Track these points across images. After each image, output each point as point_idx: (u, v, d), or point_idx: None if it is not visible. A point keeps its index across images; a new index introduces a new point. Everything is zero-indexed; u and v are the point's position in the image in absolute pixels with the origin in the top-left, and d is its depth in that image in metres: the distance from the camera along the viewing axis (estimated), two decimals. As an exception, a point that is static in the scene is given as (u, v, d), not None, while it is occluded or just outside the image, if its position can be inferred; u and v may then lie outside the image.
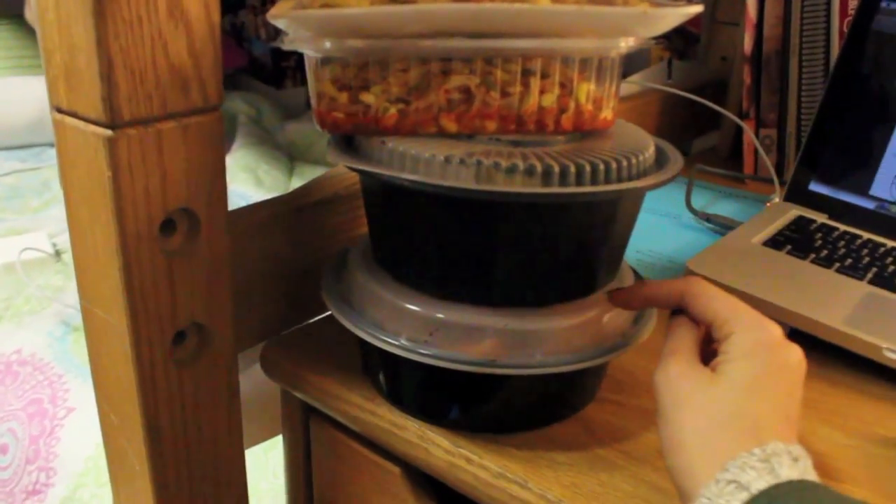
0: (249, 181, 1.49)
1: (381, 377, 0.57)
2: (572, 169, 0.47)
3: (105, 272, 0.50)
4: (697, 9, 0.50)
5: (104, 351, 0.54)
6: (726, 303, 0.46)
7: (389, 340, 0.52)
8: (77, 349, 1.02)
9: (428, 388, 0.55)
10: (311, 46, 0.50)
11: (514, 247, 0.50)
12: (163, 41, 0.46)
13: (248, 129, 1.69)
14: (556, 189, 0.47)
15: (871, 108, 0.84)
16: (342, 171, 0.66)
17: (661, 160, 0.54)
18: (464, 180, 0.47)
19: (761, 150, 1.02)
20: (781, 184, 0.93)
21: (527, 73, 0.49)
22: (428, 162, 0.47)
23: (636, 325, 0.56)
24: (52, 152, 1.63)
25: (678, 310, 0.50)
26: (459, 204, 0.48)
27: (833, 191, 0.85)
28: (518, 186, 0.47)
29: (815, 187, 0.86)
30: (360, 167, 0.49)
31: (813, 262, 0.74)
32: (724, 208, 0.94)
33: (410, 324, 0.52)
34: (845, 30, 0.95)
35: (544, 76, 0.49)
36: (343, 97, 0.50)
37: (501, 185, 0.47)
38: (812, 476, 0.39)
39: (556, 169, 0.47)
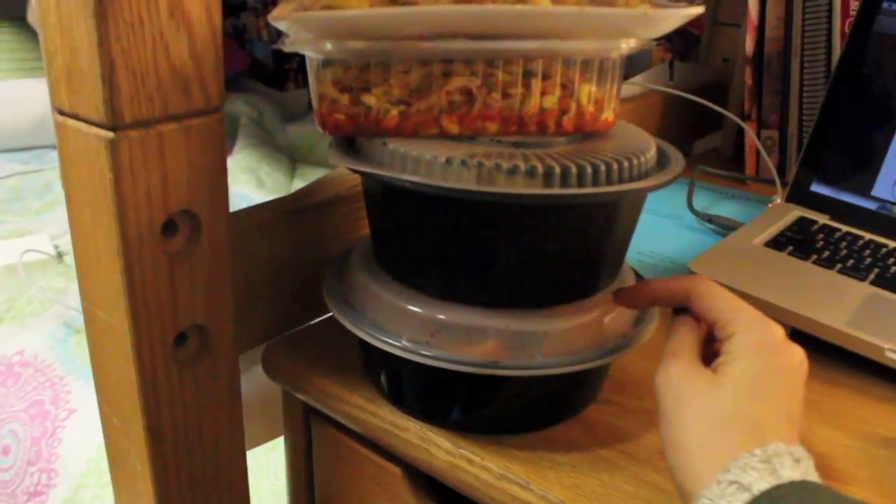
0: (251, 183, 1.49)
1: (383, 378, 0.57)
2: (573, 170, 0.47)
3: (106, 274, 0.50)
4: (698, 10, 0.50)
5: (106, 352, 0.54)
6: (730, 303, 0.46)
7: (391, 342, 0.52)
8: (79, 351, 1.02)
9: (429, 389, 0.55)
10: (312, 48, 0.50)
11: (516, 248, 0.50)
12: (164, 43, 0.46)
13: (250, 131, 1.70)
14: (557, 190, 0.47)
15: (873, 109, 0.83)
16: (343, 172, 0.66)
17: (662, 161, 0.54)
18: (465, 182, 0.47)
19: (763, 152, 1.02)
20: (783, 185, 0.93)
21: (528, 75, 0.49)
22: (429, 163, 0.47)
23: (637, 327, 0.56)
24: (54, 154, 1.63)
25: (680, 309, 0.50)
26: (461, 205, 0.48)
27: (835, 192, 0.85)
28: (519, 188, 0.47)
29: (817, 188, 0.86)
30: (362, 169, 0.49)
31: (815, 262, 0.74)
32: (726, 209, 0.94)
33: (412, 325, 0.52)
34: (847, 31, 0.94)
35: (545, 77, 0.49)
36: (344, 99, 0.50)
37: (503, 187, 0.47)
38: (814, 477, 0.39)
39: (558, 170, 0.47)
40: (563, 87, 0.50)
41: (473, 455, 0.53)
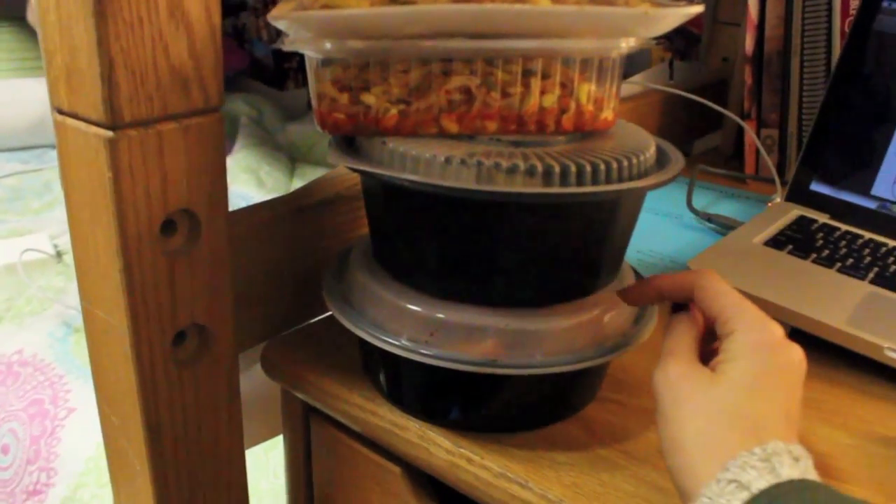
0: (251, 182, 1.49)
1: (382, 377, 0.57)
2: (573, 169, 0.47)
3: (106, 273, 0.50)
4: (698, 9, 0.50)
5: (105, 351, 0.54)
6: (732, 300, 0.46)
7: (390, 341, 0.52)
8: (78, 350, 1.02)
9: (429, 388, 0.55)
10: (311, 47, 0.50)
11: (515, 247, 0.50)
12: (164, 42, 0.46)
13: (250, 131, 1.70)
14: (556, 189, 0.47)
15: (873, 109, 0.83)
16: (343, 171, 0.66)
17: (661, 160, 0.54)
18: (464, 181, 0.47)
19: (763, 151, 1.02)
20: (783, 184, 0.93)
21: (527, 74, 0.49)
22: (429, 162, 0.47)
23: (637, 325, 0.56)
24: (54, 154, 1.63)
25: (677, 309, 0.50)
26: (460, 204, 0.48)
27: (834, 191, 0.85)
28: (519, 187, 0.47)
29: (817, 187, 0.86)
30: (361, 168, 0.49)
31: (814, 261, 0.74)
32: (726, 208, 0.94)
33: (411, 324, 0.52)
34: (847, 30, 0.95)
35: (545, 77, 0.49)
36: (344, 98, 0.50)
37: (502, 186, 0.47)
38: (813, 476, 0.39)
39: (557, 169, 0.47)
40: (563, 86, 0.50)
41: (473, 454, 0.53)
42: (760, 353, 0.44)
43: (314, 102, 0.52)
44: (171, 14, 0.46)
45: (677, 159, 0.54)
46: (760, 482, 0.38)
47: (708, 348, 0.47)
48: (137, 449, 0.55)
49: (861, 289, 0.70)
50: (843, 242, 0.78)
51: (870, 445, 0.56)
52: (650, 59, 1.26)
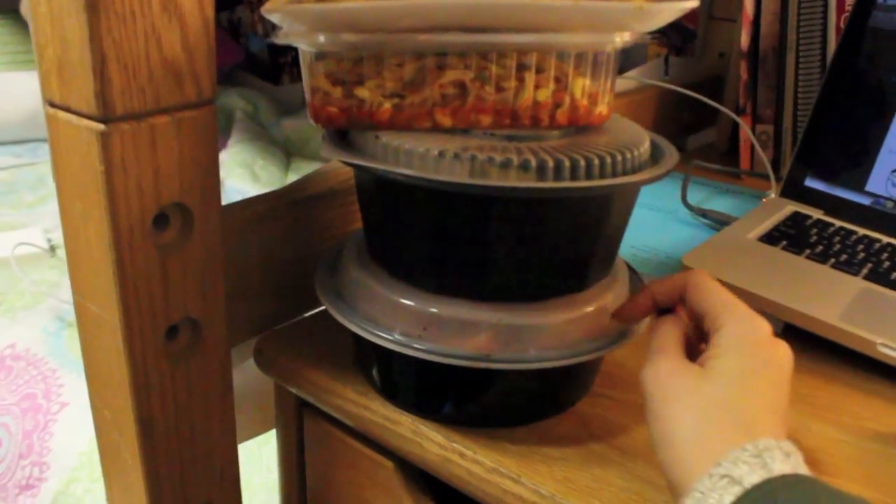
0: (246, 177, 1.48)
1: (375, 372, 0.57)
2: (567, 164, 0.47)
3: (98, 267, 0.50)
4: (693, 4, 0.50)
5: (97, 345, 0.54)
6: (722, 297, 0.47)
7: (383, 335, 0.52)
8: (71, 344, 1.02)
9: (422, 382, 0.55)
10: (305, 41, 0.50)
11: (509, 241, 0.50)
12: (156, 35, 0.46)
13: (245, 125, 1.69)
14: (550, 184, 0.47)
15: (868, 105, 0.84)
16: (337, 165, 0.66)
17: (656, 155, 0.54)
18: (458, 175, 0.47)
19: (758, 146, 1.02)
20: (777, 179, 0.93)
21: (522, 68, 0.49)
22: (422, 156, 0.47)
23: (630, 321, 0.56)
24: (47, 148, 1.62)
25: (661, 312, 0.51)
26: (454, 199, 0.48)
27: (829, 187, 0.85)
28: (512, 181, 0.47)
29: (811, 183, 0.86)
30: (354, 162, 0.49)
31: (808, 257, 0.74)
32: (720, 204, 0.94)
33: (404, 318, 0.52)
34: (842, 26, 0.95)
35: (539, 71, 0.49)
36: (337, 92, 0.50)
37: (496, 180, 0.47)
38: (804, 471, 0.39)
39: (551, 164, 0.47)
40: (557, 80, 0.50)
41: (466, 449, 0.53)
42: (749, 349, 0.44)
43: (308, 96, 0.52)
44: (164, 7, 0.46)
45: (671, 154, 0.54)
46: (753, 477, 0.38)
47: (693, 350, 0.48)
48: (130, 443, 0.55)
49: (854, 285, 0.70)
50: (837, 238, 0.78)
51: (862, 441, 0.56)
52: (646, 55, 1.26)
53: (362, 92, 0.49)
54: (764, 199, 0.89)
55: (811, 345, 0.65)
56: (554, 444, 0.54)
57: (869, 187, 0.82)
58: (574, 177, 0.47)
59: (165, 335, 0.53)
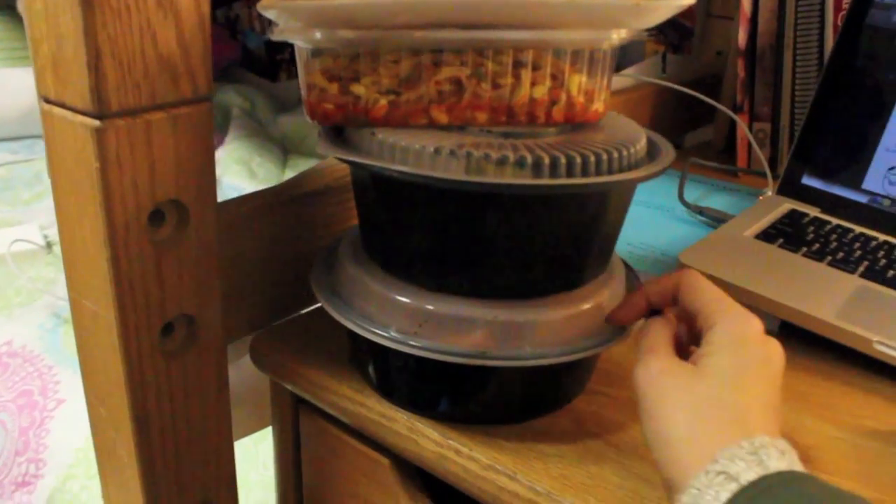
0: (243, 174, 1.48)
1: (371, 369, 0.57)
2: (563, 161, 0.47)
3: (93, 263, 0.50)
4: (689, 1, 0.50)
5: (92, 342, 0.54)
6: (714, 295, 0.47)
7: (379, 332, 0.52)
8: (68, 341, 1.02)
9: (417, 379, 0.55)
10: (301, 37, 0.50)
11: (504, 238, 0.50)
12: (151, 31, 0.46)
13: (242, 122, 1.69)
14: (546, 181, 0.47)
15: (865, 103, 0.84)
16: (333, 162, 0.66)
17: (652, 152, 0.54)
18: (454, 172, 0.47)
19: (755, 144, 1.02)
20: (774, 177, 0.93)
21: (518, 65, 0.49)
22: (418, 153, 0.47)
23: (627, 318, 0.56)
24: (44, 144, 1.62)
25: (650, 313, 0.51)
26: (449, 195, 0.48)
27: (826, 184, 0.85)
28: (508, 178, 0.47)
29: (808, 181, 0.86)
30: (350, 158, 0.49)
31: (805, 255, 0.74)
32: (717, 201, 0.94)
33: (400, 315, 0.52)
34: (839, 24, 0.95)
35: (535, 68, 0.49)
36: (333, 88, 0.50)
37: (492, 177, 0.47)
38: (799, 468, 0.39)
39: (547, 161, 0.47)
40: (554, 77, 0.50)
41: (461, 446, 0.53)
42: (741, 347, 0.44)
43: (303, 92, 0.52)
44: (159, 3, 0.46)
45: (668, 152, 0.54)
46: (749, 474, 0.38)
47: (684, 351, 0.48)
48: (125, 440, 0.55)
49: (851, 282, 0.70)
50: (834, 236, 0.78)
51: (858, 438, 0.56)
52: (643, 52, 1.26)
53: (358, 88, 0.49)
54: (761, 197, 0.89)
55: (808, 343, 0.65)
56: (550, 441, 0.54)
57: (866, 185, 0.82)
58: (570, 174, 0.47)
59: (161, 332, 0.53)
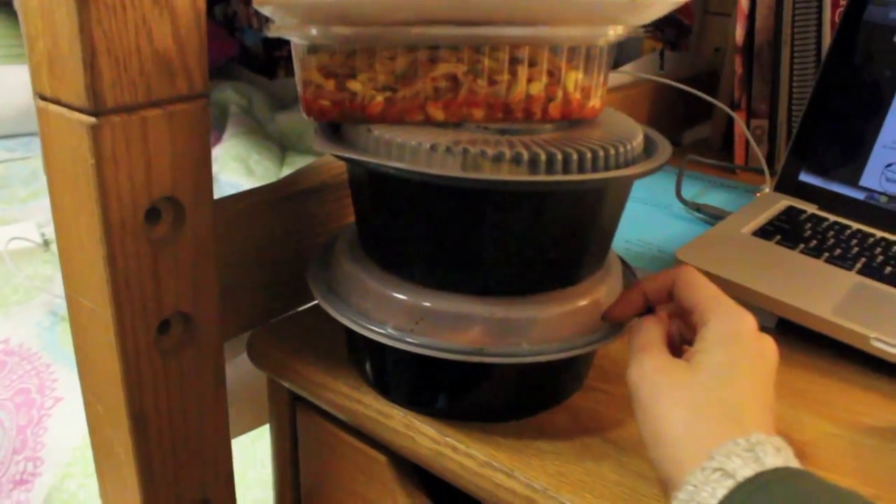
0: (240, 171, 1.48)
1: (368, 366, 0.57)
2: (559, 157, 0.47)
3: (89, 261, 0.50)
4: (686, -3, 0.49)
5: (89, 340, 0.54)
6: (708, 291, 0.47)
7: (375, 329, 0.52)
8: (65, 339, 1.02)
9: (414, 376, 0.55)
10: (297, 33, 0.49)
11: (501, 235, 0.50)
12: (147, 28, 0.46)
13: (240, 119, 1.69)
14: (542, 177, 0.47)
15: (862, 99, 0.83)
16: (330, 160, 0.66)
17: (649, 149, 0.54)
18: (450, 168, 0.47)
19: (752, 141, 1.02)
20: (772, 174, 0.93)
21: (514, 61, 0.48)
22: (414, 150, 0.47)
23: (624, 315, 0.56)
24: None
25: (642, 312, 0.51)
26: (446, 192, 0.48)
27: (823, 181, 0.85)
28: (504, 174, 0.46)
29: (806, 178, 0.86)
30: (346, 155, 0.49)
31: (802, 252, 0.74)
32: (715, 198, 0.94)
33: (397, 312, 0.52)
34: (837, 20, 0.94)
35: (532, 64, 0.49)
36: (329, 85, 0.50)
37: (488, 173, 0.46)
38: (795, 465, 0.39)
39: (543, 157, 0.46)
40: (550, 73, 0.49)
41: (458, 443, 0.53)
42: (735, 343, 0.44)
43: (300, 89, 0.52)
44: (155, -1, 0.46)
45: (665, 148, 0.54)
46: (745, 470, 0.38)
47: (676, 350, 0.48)
48: (122, 438, 0.55)
49: (848, 279, 0.70)
50: (831, 233, 0.78)
51: (855, 435, 0.56)
52: (641, 50, 1.26)
53: (354, 85, 0.49)
54: (758, 194, 0.89)
55: (805, 339, 0.65)
56: (547, 438, 0.54)
57: (863, 182, 0.82)
58: (566, 170, 0.47)
59: (158, 329, 0.53)
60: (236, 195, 0.61)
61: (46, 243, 1.21)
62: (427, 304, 0.51)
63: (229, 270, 0.60)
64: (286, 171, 1.56)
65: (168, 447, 0.57)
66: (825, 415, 0.58)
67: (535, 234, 0.50)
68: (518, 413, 0.55)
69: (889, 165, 0.81)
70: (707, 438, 0.40)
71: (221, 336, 0.58)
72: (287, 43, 0.52)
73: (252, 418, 0.71)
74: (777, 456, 0.39)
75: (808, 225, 0.79)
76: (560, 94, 0.50)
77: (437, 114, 0.49)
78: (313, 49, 0.50)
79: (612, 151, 0.49)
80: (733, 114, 1.03)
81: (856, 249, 0.75)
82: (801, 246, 0.75)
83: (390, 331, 0.51)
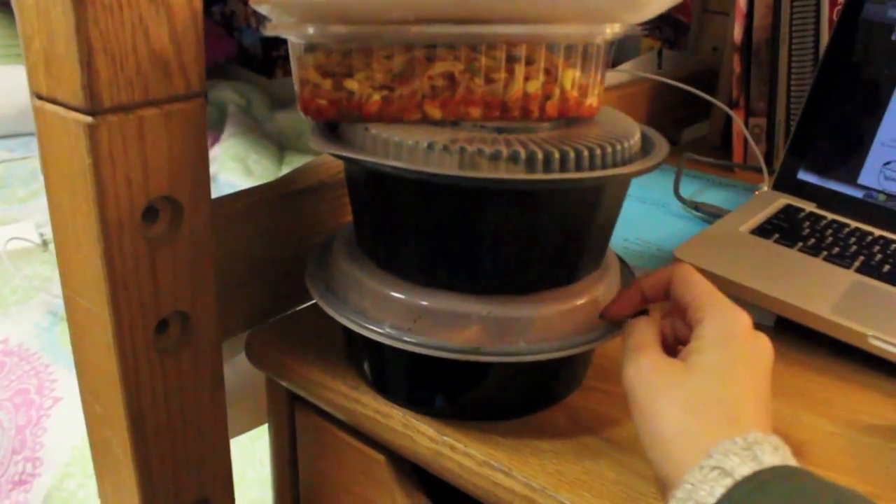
0: (239, 171, 1.48)
1: (366, 365, 0.57)
2: (556, 155, 0.47)
3: (87, 260, 0.50)
4: (683, -5, 0.49)
5: (87, 339, 0.54)
6: (704, 289, 0.47)
7: (373, 328, 0.52)
8: (64, 339, 1.01)
9: (412, 375, 0.55)
10: (294, 32, 0.49)
11: (498, 234, 0.50)
12: (143, 27, 0.46)
13: (238, 119, 1.69)
14: (540, 176, 0.47)
15: (860, 97, 0.83)
16: (327, 159, 0.66)
17: (646, 147, 0.54)
18: (447, 167, 0.47)
19: (750, 139, 1.02)
20: (770, 173, 0.93)
21: (511, 60, 0.48)
22: (411, 149, 0.47)
23: (622, 313, 0.56)
24: (41, 142, 1.61)
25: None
26: (443, 191, 0.48)
27: (821, 179, 0.85)
28: (502, 173, 0.46)
29: (804, 176, 0.86)
30: (344, 154, 0.49)
31: (800, 250, 0.74)
32: (713, 197, 0.94)
33: (394, 311, 0.52)
34: (835, 19, 0.94)
35: (529, 62, 0.49)
36: (327, 84, 0.50)
37: (485, 172, 0.46)
38: (792, 464, 0.39)
39: (540, 155, 0.46)
40: (547, 72, 0.49)
41: (457, 442, 0.53)
42: (730, 342, 0.44)
43: (297, 88, 0.52)
44: (151, -2, 0.46)
45: (662, 146, 0.54)
46: (743, 469, 0.38)
47: (671, 350, 0.48)
48: (121, 438, 0.55)
49: (846, 277, 0.70)
50: (830, 231, 0.78)
51: (854, 433, 0.56)
52: (639, 48, 1.26)
53: (352, 84, 0.49)
54: (756, 192, 0.88)
55: (803, 338, 0.65)
56: (545, 437, 0.54)
57: (861, 180, 0.82)
58: (564, 168, 0.47)
59: (155, 329, 0.53)
60: (234, 194, 0.61)
61: (45, 243, 1.21)
62: (424, 302, 0.51)
63: (227, 270, 0.60)
64: (285, 171, 1.55)
65: (167, 447, 0.57)
66: (824, 413, 0.58)
67: (533, 233, 0.50)
68: (516, 412, 0.55)
69: (887, 163, 0.81)
70: (704, 437, 0.40)
71: (220, 335, 0.58)
72: (285, 42, 0.52)
73: (251, 418, 0.71)
74: (775, 454, 0.39)
75: (807, 223, 0.79)
76: (557, 92, 0.50)
77: (435, 112, 0.49)
78: (310, 48, 0.50)
79: (610, 150, 0.49)
80: (731, 112, 1.03)
81: (854, 248, 0.75)
82: (800, 244, 0.75)
83: (388, 330, 0.51)
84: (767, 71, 1.03)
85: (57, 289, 1.10)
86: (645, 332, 0.48)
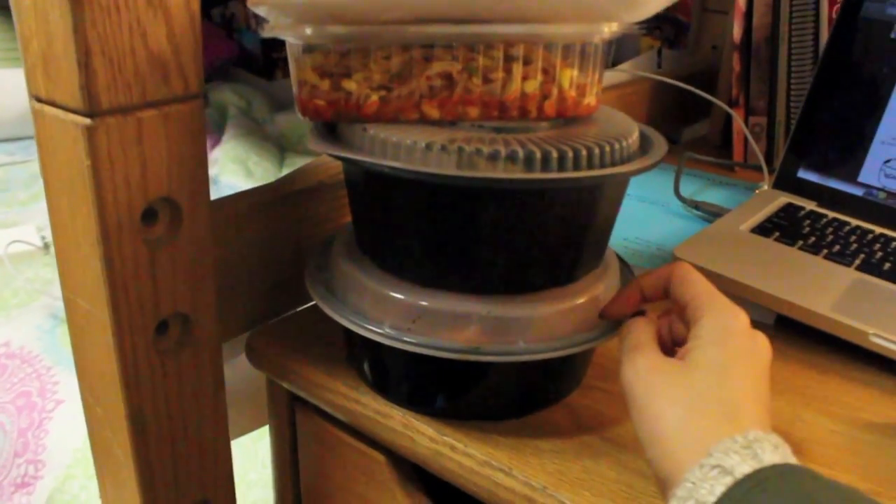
0: (240, 172, 1.48)
1: (366, 366, 0.57)
2: (554, 155, 0.47)
3: (86, 262, 0.50)
4: (680, -6, 0.49)
5: (87, 341, 0.54)
6: (702, 288, 0.47)
7: (373, 328, 0.52)
8: (66, 341, 1.01)
9: (412, 376, 0.55)
10: (291, 33, 0.49)
11: (497, 233, 0.50)
12: (141, 29, 0.46)
13: (239, 121, 1.69)
14: (538, 175, 0.47)
15: (860, 96, 0.83)
16: (326, 160, 0.66)
17: (645, 146, 0.54)
18: (446, 167, 0.47)
19: (750, 138, 1.02)
20: (770, 171, 0.93)
21: (509, 59, 0.48)
22: (409, 149, 0.47)
23: (621, 312, 0.56)
24: (41, 145, 1.61)
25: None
26: (441, 191, 0.48)
27: (822, 178, 0.85)
28: (500, 173, 0.46)
29: (804, 174, 0.86)
30: (342, 154, 0.49)
31: (801, 248, 0.74)
32: (713, 196, 0.94)
33: (394, 311, 0.52)
34: (834, 17, 0.94)
35: (527, 62, 0.49)
36: (325, 84, 0.50)
37: (484, 172, 0.46)
38: (793, 462, 0.39)
39: (539, 155, 0.46)
40: (545, 71, 0.49)
41: (457, 442, 0.53)
42: (729, 340, 0.44)
43: (295, 89, 0.52)
44: (149, 0, 0.46)
45: (660, 145, 0.53)
46: (744, 467, 0.38)
47: (667, 350, 0.48)
48: (121, 439, 0.55)
49: (847, 275, 0.70)
50: (830, 229, 0.78)
51: (854, 431, 0.56)
52: (639, 48, 1.26)
53: (349, 84, 0.49)
54: (757, 191, 0.88)
55: (804, 336, 0.65)
56: (545, 436, 0.54)
57: (862, 178, 0.82)
58: (562, 168, 0.47)
59: (156, 330, 0.53)
60: (233, 196, 0.61)
61: (46, 246, 1.21)
62: (424, 302, 0.51)
63: (227, 271, 0.60)
64: (285, 172, 1.56)
65: (167, 448, 0.57)
66: (824, 411, 0.58)
67: (532, 232, 0.50)
68: (516, 412, 0.55)
69: (888, 161, 0.81)
70: (704, 436, 0.40)
71: (220, 337, 0.58)
72: (285, 44, 0.52)
73: (252, 419, 0.71)
74: (775, 453, 0.39)
75: (807, 221, 0.79)
76: (555, 91, 0.50)
77: (433, 112, 0.49)
78: (308, 49, 0.50)
79: (608, 149, 0.49)
80: (731, 111, 1.03)
81: (854, 246, 0.74)
82: (800, 242, 0.75)
83: (387, 330, 0.51)
84: (767, 69, 1.02)
85: (58, 291, 1.10)
86: (642, 332, 0.48)
